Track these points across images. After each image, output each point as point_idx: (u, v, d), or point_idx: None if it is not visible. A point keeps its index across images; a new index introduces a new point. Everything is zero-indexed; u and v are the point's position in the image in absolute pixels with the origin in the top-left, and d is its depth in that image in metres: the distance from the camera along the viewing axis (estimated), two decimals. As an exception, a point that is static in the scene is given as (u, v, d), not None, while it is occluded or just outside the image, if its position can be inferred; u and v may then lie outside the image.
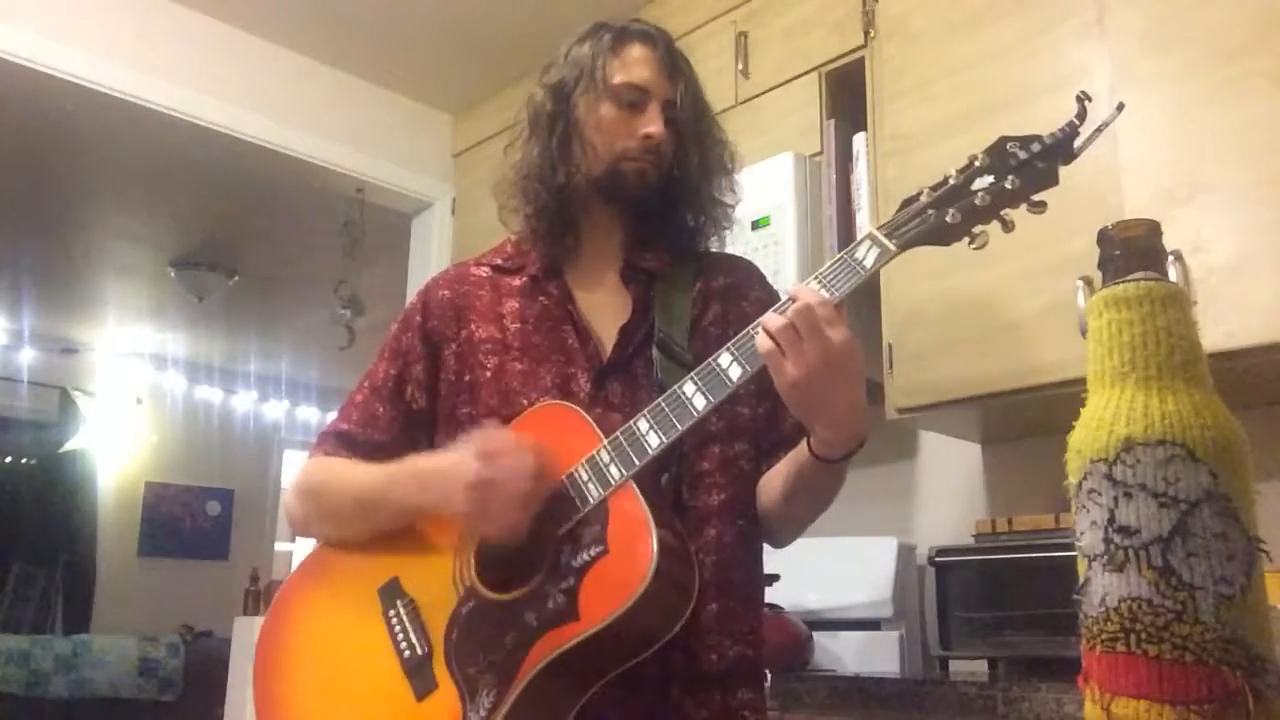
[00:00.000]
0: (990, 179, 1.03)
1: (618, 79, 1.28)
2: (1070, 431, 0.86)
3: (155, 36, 2.85)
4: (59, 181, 4.11)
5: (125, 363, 6.46)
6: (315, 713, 1.17)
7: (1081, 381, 0.88)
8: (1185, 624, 0.76)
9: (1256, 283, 1.55)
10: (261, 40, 3.07)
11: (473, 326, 1.28)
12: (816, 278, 1.06)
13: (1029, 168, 1.01)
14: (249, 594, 4.24)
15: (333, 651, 1.20)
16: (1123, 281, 0.86)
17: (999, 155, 1.03)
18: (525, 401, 1.20)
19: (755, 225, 2.20)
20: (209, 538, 6.67)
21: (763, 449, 1.26)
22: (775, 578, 1.96)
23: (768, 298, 1.33)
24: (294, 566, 1.33)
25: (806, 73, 2.33)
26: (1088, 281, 1.64)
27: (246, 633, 3.37)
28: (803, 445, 1.14)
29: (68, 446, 6.25)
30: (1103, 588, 0.80)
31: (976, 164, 1.04)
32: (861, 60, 2.21)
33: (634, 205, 1.29)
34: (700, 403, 1.07)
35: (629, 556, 1.02)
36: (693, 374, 1.09)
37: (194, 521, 6.64)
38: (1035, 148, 1.01)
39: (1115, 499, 0.80)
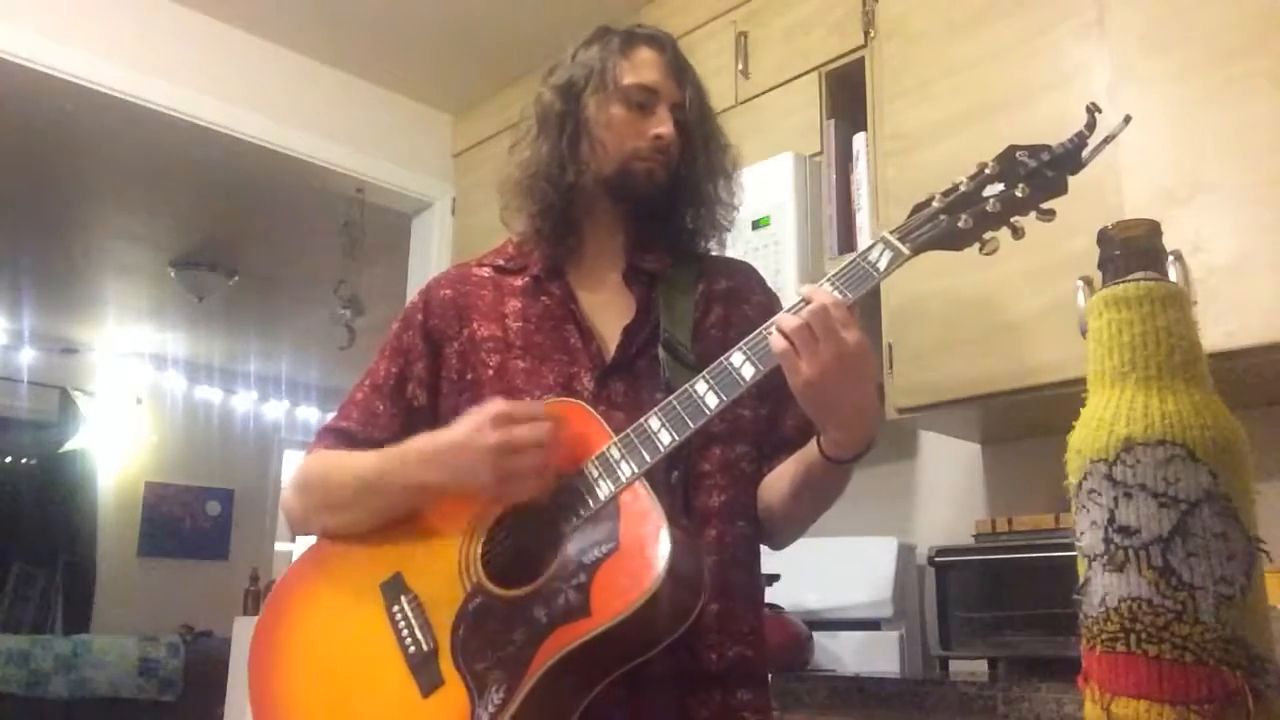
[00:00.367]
0: (1000, 186, 1.04)
1: (628, 80, 1.29)
2: (1070, 431, 0.87)
3: (155, 36, 2.85)
4: (59, 181, 4.11)
5: (125, 363, 6.45)
6: (317, 708, 1.16)
7: (1081, 381, 0.88)
8: (1185, 624, 0.76)
9: (1256, 283, 1.55)
10: (261, 40, 3.07)
11: (475, 325, 1.29)
12: (830, 280, 1.07)
13: (1038, 176, 1.03)
14: (249, 594, 4.25)
15: (334, 647, 1.19)
16: (1123, 281, 0.86)
17: (1009, 163, 1.05)
18: (528, 399, 1.20)
19: (755, 225, 2.20)
20: (209, 538, 6.67)
21: (764, 451, 1.27)
22: (775, 578, 1.96)
23: (769, 301, 1.35)
24: (293, 565, 1.32)
25: (806, 73, 2.33)
26: (1088, 281, 1.64)
27: (246, 633, 3.34)
28: (812, 445, 1.15)
29: (68, 446, 6.24)
30: (1103, 588, 0.80)
31: (987, 171, 1.06)
32: (861, 60, 2.22)
33: (641, 205, 1.30)
34: (713, 401, 1.07)
35: (641, 553, 1.02)
36: (704, 373, 1.09)
37: (194, 521, 6.64)
38: (1045, 156, 1.03)
39: (1115, 499, 0.80)
